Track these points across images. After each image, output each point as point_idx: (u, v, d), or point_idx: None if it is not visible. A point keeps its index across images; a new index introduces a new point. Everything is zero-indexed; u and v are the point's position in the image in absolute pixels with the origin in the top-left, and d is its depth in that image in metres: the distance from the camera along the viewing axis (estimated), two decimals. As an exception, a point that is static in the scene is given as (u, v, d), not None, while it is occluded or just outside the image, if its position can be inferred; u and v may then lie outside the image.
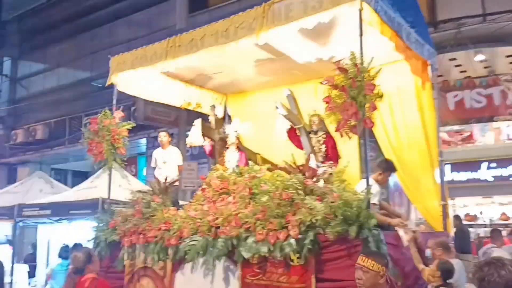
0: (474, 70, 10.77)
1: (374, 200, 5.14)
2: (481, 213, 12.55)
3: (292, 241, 4.01)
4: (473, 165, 11.19)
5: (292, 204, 4.25)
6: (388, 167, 4.93)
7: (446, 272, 4.11)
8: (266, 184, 4.68)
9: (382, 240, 3.80)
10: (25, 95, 17.22)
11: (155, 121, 10.90)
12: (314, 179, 4.64)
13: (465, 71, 10.94)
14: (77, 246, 7.01)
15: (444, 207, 5.49)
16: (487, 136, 12.21)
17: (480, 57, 9.88)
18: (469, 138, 12.29)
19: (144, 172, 13.88)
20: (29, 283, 8.82)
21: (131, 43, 6.22)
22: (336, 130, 4.03)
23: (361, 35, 4.19)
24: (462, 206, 13.69)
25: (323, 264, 3.97)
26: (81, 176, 13.60)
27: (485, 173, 11.12)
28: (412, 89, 5.76)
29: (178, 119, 10.81)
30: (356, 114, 3.77)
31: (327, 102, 4.05)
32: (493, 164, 10.92)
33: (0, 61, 17.84)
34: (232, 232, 4.42)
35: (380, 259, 2.97)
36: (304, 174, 4.47)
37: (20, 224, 8.11)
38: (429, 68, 5.69)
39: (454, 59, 10.24)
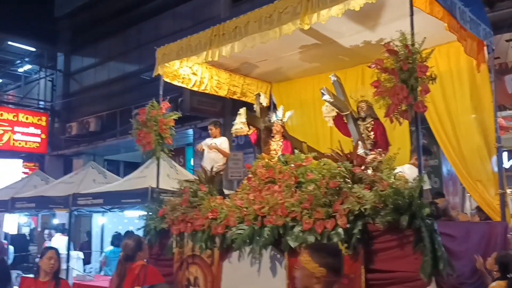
0: (535, 51, 10.09)
1: (427, 186, 4.97)
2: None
3: (340, 230, 3.90)
4: (534, 152, 10.51)
5: (340, 193, 4.13)
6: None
7: (504, 265, 3.89)
8: (312, 172, 4.59)
9: (436, 230, 3.62)
10: (78, 89, 17.89)
11: (200, 111, 11.00)
12: (363, 167, 4.50)
13: (524, 52, 10.28)
14: (128, 233, 7.23)
15: (503, 196, 5.18)
16: (548, 121, 11.47)
17: (541, 37, 9.22)
18: (529, 124, 11.58)
19: (192, 162, 14.09)
20: (84, 270, 9.21)
21: (176, 35, 6.26)
22: (386, 116, 3.87)
23: (411, 15, 3.99)
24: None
25: (372, 254, 3.83)
26: (132, 167, 13.99)
27: (546, 161, 10.43)
28: (467, 72, 5.44)
29: (224, 109, 10.87)
30: (407, 98, 3.59)
31: (376, 87, 3.89)
32: (556, 151, 10.21)
33: (54, 57, 18.59)
34: (278, 221, 4.37)
35: (321, 257, 2.15)
36: (352, 162, 4.33)
37: (75, 213, 8.45)
38: (485, 49, 5.36)
39: (512, 40, 9.64)
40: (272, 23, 4.87)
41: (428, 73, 3.62)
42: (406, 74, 3.61)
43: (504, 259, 4.03)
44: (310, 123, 7.38)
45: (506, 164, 11.00)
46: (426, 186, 4.94)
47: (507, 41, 9.70)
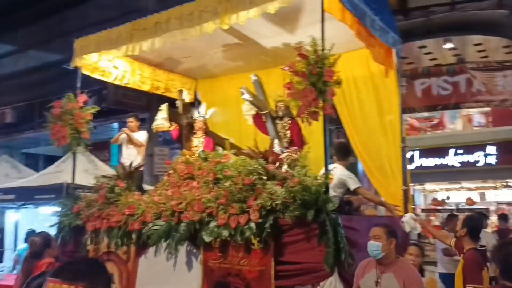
0: (444, 57, 10.99)
1: (357, 184, 5.25)
2: (448, 198, 12.94)
3: (252, 225, 4.06)
4: (441, 151, 11.46)
5: (254, 189, 4.29)
6: (341, 154, 5.09)
7: (473, 228, 4.17)
8: (229, 169, 4.71)
9: (339, 224, 3.88)
10: (-7, 77, 16.73)
11: (125, 105, 10.76)
12: (277, 164, 4.69)
13: (435, 59, 11.15)
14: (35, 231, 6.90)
15: (405, 192, 5.62)
16: (456, 123, 12.54)
17: (449, 45, 10.06)
18: (439, 125, 12.59)
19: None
20: (-5, 269, 8.72)
21: (103, 25, 6.08)
22: (297, 116, 4.07)
23: (322, 21, 4.21)
24: (431, 191, 14.12)
25: (282, 247, 4.03)
26: (53, 161, 13.35)
27: (452, 159, 11.41)
28: (375, 76, 5.83)
29: (150, 104, 10.70)
30: (315, 100, 3.81)
31: (288, 88, 4.08)
32: (460, 151, 11.21)
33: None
34: (195, 216, 4.44)
35: None
36: (266, 159, 4.51)
37: (-14, 209, 7.96)
38: (393, 55, 5.76)
39: (424, 46, 10.43)
40: (193, 21, 4.91)
41: (334, 78, 3.84)
42: (315, 78, 3.82)
43: (472, 222, 4.26)
44: (234, 120, 7.48)
45: (418, 162, 11.93)
46: (355, 185, 5.23)
47: (419, 47, 10.49)
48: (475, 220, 4.39)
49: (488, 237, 6.77)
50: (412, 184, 12.72)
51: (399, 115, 5.85)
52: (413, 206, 11.92)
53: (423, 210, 12.17)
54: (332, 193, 4.62)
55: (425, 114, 12.04)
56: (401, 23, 9.32)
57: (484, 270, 3.96)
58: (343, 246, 3.83)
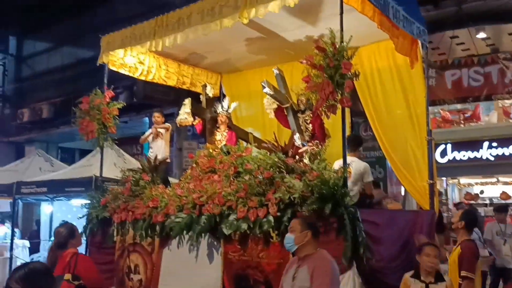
0: (477, 48, 10.61)
1: (370, 178, 5.25)
2: (482, 192, 12.54)
3: (271, 218, 4.09)
4: (475, 144, 11.09)
5: (273, 183, 4.32)
6: (354, 145, 5.13)
7: (470, 221, 4.41)
8: (249, 163, 4.74)
9: (358, 218, 3.86)
10: (30, 74, 17.35)
11: (154, 100, 10.94)
12: (297, 158, 4.69)
13: (467, 49, 10.79)
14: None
15: (431, 186, 5.50)
16: (491, 115, 12.10)
17: (482, 34, 9.71)
18: (472, 117, 12.18)
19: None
20: (32, 259, 9.08)
21: (131, 20, 6.21)
22: (315, 109, 4.05)
23: (341, 13, 4.17)
24: (466, 185, 13.72)
25: (300, 241, 4.03)
26: (87, 155, 13.80)
27: (486, 153, 11.03)
28: (401, 68, 5.71)
29: (178, 98, 10.83)
30: (332, 93, 3.78)
31: (306, 82, 4.06)
32: (495, 144, 10.82)
33: (5, 40, 17.92)
34: (215, 209, 4.51)
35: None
36: (286, 153, 4.51)
37: (21, 201, 8.31)
38: (419, 47, 5.62)
39: (456, 36, 10.10)
40: (214, 16, 4.94)
41: (352, 70, 3.80)
42: (332, 71, 3.78)
43: (470, 216, 4.61)
44: (258, 114, 7.50)
45: (450, 155, 11.60)
46: (368, 178, 5.23)
47: (451, 38, 10.17)
48: (472, 215, 4.82)
49: None
50: (444, 178, 12.47)
51: (425, 108, 5.72)
52: (444, 200, 11.68)
53: (455, 205, 11.84)
54: (352, 187, 4.60)
55: (458, 106, 11.67)
56: (432, 13, 9.08)
57: (478, 261, 4.29)
58: (361, 240, 3.81)
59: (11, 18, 17.78)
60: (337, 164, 4.54)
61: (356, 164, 5.03)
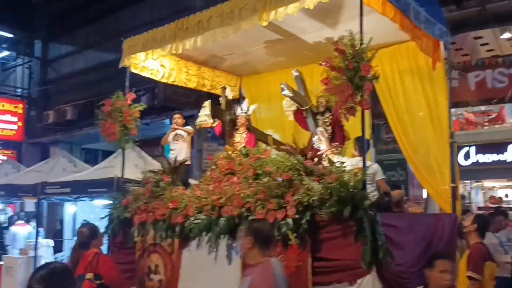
0: (502, 48, 10.40)
1: (382, 175, 5.22)
2: (506, 195, 12.27)
3: (289, 220, 4.08)
4: (499, 147, 10.86)
5: (292, 185, 4.31)
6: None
7: (482, 225, 4.49)
8: (268, 165, 4.74)
9: (377, 221, 3.82)
10: (55, 77, 17.75)
11: (175, 102, 11.06)
12: (316, 160, 4.68)
13: (492, 50, 10.58)
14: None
15: (454, 189, 5.41)
16: (516, 116, 11.81)
17: (507, 35, 9.51)
18: (497, 119, 11.92)
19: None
20: (56, 258, 9.28)
21: (153, 24, 6.32)
22: (334, 112, 4.03)
23: (361, 15, 4.15)
24: (490, 188, 13.43)
25: (319, 243, 4.02)
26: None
27: (511, 156, 10.79)
28: (422, 69, 5.64)
29: (198, 101, 10.92)
30: (352, 95, 3.76)
31: (325, 84, 4.05)
32: (520, 146, 10.57)
33: (31, 43, 18.38)
34: (234, 211, 4.53)
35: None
36: (305, 155, 4.50)
37: (45, 201, 8.50)
38: (441, 48, 5.54)
39: (480, 37, 9.92)
40: (233, 19, 4.99)
41: (371, 73, 3.78)
42: (351, 73, 3.77)
43: (482, 221, 4.71)
44: (278, 116, 7.50)
45: (473, 158, 11.38)
46: (380, 176, 5.21)
47: (474, 38, 9.99)
48: (484, 219, 4.94)
49: None
50: (468, 181, 12.22)
51: (447, 109, 5.64)
52: (468, 203, 11.42)
53: (479, 208, 11.60)
54: (370, 188, 4.56)
55: (482, 108, 11.44)
56: (455, 13, 8.94)
57: (487, 263, 4.28)
58: (381, 244, 3.77)
59: (37, 22, 18.27)
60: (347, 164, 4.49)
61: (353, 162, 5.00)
